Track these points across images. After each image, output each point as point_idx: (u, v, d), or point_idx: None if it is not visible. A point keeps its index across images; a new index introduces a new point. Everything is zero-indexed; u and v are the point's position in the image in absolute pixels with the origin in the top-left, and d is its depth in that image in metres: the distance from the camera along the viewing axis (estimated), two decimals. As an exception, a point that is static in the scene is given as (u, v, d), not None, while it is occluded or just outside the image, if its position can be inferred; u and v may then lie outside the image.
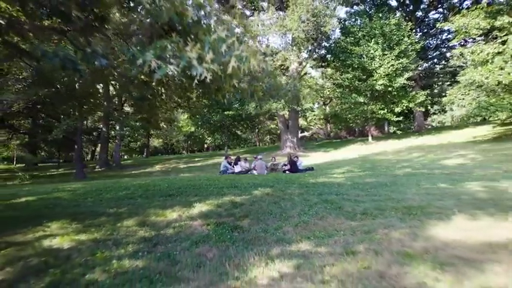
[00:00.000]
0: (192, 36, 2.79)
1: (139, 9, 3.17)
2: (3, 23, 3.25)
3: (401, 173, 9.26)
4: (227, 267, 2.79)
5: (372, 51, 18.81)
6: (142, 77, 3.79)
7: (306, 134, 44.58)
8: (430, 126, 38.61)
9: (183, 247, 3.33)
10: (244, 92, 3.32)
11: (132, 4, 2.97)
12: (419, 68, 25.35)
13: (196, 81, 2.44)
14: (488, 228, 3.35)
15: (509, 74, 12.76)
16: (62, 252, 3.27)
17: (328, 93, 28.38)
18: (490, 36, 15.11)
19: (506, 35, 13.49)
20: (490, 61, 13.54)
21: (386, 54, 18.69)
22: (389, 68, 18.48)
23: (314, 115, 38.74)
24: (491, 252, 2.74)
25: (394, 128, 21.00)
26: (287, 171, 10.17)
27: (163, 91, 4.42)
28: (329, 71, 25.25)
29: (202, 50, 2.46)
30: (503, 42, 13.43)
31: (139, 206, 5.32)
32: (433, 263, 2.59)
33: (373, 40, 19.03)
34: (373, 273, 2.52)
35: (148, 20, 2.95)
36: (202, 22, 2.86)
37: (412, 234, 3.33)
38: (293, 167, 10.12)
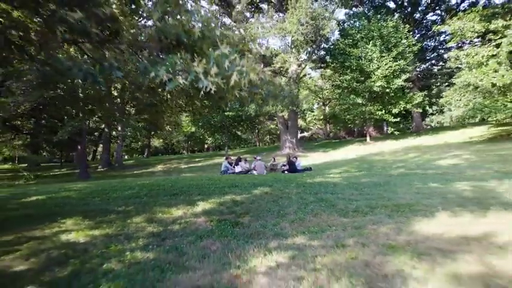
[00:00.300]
0: (197, 50, 3.12)
1: (150, 26, 3.50)
2: (22, 34, 3.58)
3: (396, 173, 9.59)
4: (229, 258, 3.11)
5: (369, 53, 19.13)
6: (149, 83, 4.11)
7: (305, 134, 44.91)
8: (428, 127, 38.96)
9: (189, 241, 3.65)
10: (245, 100, 3.65)
11: (143, 21, 3.29)
12: (417, 69, 25.68)
13: (202, 92, 2.76)
14: (467, 223, 3.67)
15: (503, 76, 13.08)
16: (79, 246, 3.60)
17: (327, 94, 28.70)
18: (487, 38, 15.41)
19: (500, 38, 13.81)
20: (484, 64, 13.86)
21: (384, 56, 19.01)
22: (386, 69, 18.80)
23: (314, 115, 39.09)
24: (466, 245, 3.06)
25: (392, 129, 21.29)
26: (286, 172, 10.49)
27: (169, 97, 4.75)
28: (328, 72, 25.59)
29: (207, 64, 2.78)
30: (498, 45, 13.74)
31: (145, 204, 5.65)
32: (412, 253, 2.91)
33: (371, 42, 19.35)
34: (359, 262, 2.84)
35: (157, 36, 3.27)
36: (206, 36, 3.18)
37: (398, 229, 3.65)
38: (292, 167, 10.44)
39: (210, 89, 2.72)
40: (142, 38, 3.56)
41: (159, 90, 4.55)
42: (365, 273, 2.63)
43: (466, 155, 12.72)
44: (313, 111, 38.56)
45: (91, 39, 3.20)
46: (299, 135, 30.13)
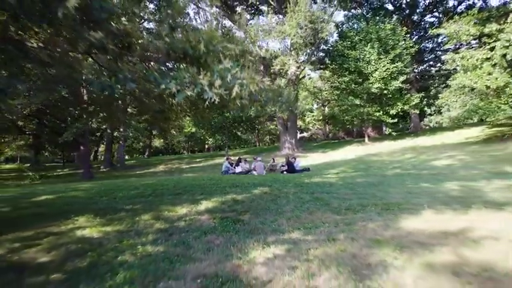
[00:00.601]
0: (203, 63, 3.45)
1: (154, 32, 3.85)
2: (42, 45, 3.92)
3: (391, 173, 9.93)
4: (231, 250, 3.45)
5: (367, 55, 19.46)
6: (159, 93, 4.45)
7: (305, 134, 45.26)
8: (427, 127, 39.26)
9: (194, 236, 3.99)
10: (245, 107, 3.99)
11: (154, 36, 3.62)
12: (415, 71, 25.99)
13: (207, 102, 3.10)
14: (448, 220, 4.01)
15: (496, 79, 13.40)
16: (94, 240, 3.94)
17: (326, 95, 29.04)
18: (483, 41, 15.70)
19: (494, 41, 14.12)
20: (479, 66, 14.18)
21: (381, 58, 19.34)
22: (384, 71, 19.13)
23: (313, 116, 39.44)
24: (444, 238, 3.40)
25: (390, 130, 21.62)
26: (285, 172, 10.82)
27: (174, 102, 5.08)
28: (327, 73, 25.92)
29: (211, 77, 3.11)
30: (492, 49, 14.06)
31: (151, 203, 5.99)
32: (395, 246, 3.25)
33: (369, 44, 19.67)
34: (347, 254, 3.18)
35: (166, 49, 3.61)
36: (210, 50, 3.52)
37: (385, 225, 3.99)
38: (290, 167, 10.77)
39: (214, 100, 3.06)
40: (151, 50, 3.90)
41: (165, 96, 4.88)
42: (352, 263, 2.97)
43: (461, 155, 13.05)
44: (312, 112, 38.90)
45: (107, 53, 3.54)
46: (298, 135, 30.46)
